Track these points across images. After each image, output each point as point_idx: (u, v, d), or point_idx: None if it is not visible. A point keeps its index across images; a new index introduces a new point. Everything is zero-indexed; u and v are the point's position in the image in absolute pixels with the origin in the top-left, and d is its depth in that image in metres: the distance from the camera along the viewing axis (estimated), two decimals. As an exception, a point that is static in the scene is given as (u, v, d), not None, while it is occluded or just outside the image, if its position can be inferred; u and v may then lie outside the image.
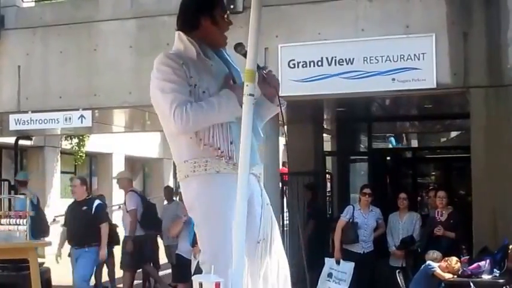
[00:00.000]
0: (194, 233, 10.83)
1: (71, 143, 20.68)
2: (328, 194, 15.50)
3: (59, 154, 20.93)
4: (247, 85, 3.75)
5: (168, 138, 4.08)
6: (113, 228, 13.82)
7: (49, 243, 8.86)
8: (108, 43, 11.68)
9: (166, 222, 13.63)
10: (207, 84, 3.98)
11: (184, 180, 3.98)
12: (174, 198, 14.90)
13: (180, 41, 4.09)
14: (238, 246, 3.51)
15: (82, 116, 11.67)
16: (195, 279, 3.44)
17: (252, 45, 3.85)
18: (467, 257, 9.59)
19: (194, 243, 10.85)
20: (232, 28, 10.65)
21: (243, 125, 3.63)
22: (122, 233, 13.63)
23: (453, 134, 17.66)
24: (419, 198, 15.64)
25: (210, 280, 3.31)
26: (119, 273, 13.45)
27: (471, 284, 8.93)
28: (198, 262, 8.09)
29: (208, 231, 3.92)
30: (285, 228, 13.42)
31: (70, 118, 11.75)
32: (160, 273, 14.62)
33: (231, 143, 3.90)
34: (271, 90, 4.02)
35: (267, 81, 4.02)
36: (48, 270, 10.78)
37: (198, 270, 7.21)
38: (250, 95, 3.71)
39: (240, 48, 4.13)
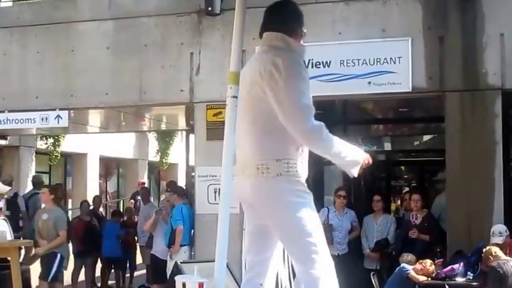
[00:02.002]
0: (171, 233, 10.89)
1: (46, 143, 20.55)
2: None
3: (34, 154, 20.77)
4: (230, 87, 3.80)
5: (261, 132, 4.17)
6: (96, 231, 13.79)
7: (30, 243, 8.61)
8: (85, 44, 11.62)
9: (141, 223, 13.63)
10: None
11: (274, 178, 4.11)
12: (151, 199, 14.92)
13: (295, 44, 4.38)
14: (222, 240, 3.54)
15: (59, 116, 11.61)
16: (178, 279, 3.48)
17: (235, 49, 3.90)
18: (442, 259, 9.68)
19: (171, 243, 10.85)
20: (209, 29, 10.76)
21: (226, 126, 3.68)
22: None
23: (428, 137, 17.76)
24: (398, 201, 15.72)
25: (193, 280, 3.35)
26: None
27: (446, 286, 9.01)
28: (175, 262, 8.11)
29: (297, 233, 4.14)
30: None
31: (47, 118, 11.69)
32: (136, 273, 14.62)
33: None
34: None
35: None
36: (27, 270, 10.66)
37: (176, 270, 7.24)
38: (234, 97, 3.75)
39: None
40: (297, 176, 4.18)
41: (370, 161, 4.29)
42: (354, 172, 4.27)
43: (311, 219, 4.16)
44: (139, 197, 17.34)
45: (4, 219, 8.07)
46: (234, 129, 3.75)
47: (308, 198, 4.22)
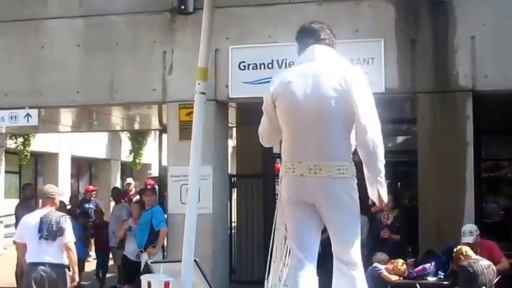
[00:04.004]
0: (149, 234, 10.79)
1: (16, 142, 20.32)
2: (276, 197, 15.49)
3: (4, 153, 20.55)
4: (198, 83, 3.78)
5: (340, 137, 4.60)
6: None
7: None
8: (55, 41, 11.48)
9: (112, 224, 13.53)
10: None
11: (350, 178, 4.61)
12: (122, 200, 14.80)
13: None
14: (189, 240, 3.53)
15: (28, 114, 11.46)
16: (144, 278, 3.44)
17: (204, 45, 3.88)
18: (413, 259, 9.72)
19: (148, 244, 10.76)
20: (182, 28, 10.67)
21: (194, 123, 3.67)
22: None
23: (401, 138, 17.84)
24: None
25: (158, 279, 3.32)
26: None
27: (417, 285, 9.04)
28: (146, 262, 8.04)
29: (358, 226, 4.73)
30: (233, 231, 13.43)
31: (16, 116, 11.53)
32: (108, 274, 14.52)
33: None
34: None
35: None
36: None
37: (146, 270, 7.18)
38: (202, 93, 3.74)
39: None
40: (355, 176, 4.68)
41: (383, 205, 4.63)
42: (380, 197, 4.56)
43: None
44: (89, 205, 15.87)
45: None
46: (202, 127, 3.74)
47: None
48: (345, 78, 4.58)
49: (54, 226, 8.32)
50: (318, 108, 4.58)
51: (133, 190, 17.47)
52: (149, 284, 3.33)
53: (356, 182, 4.61)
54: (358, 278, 4.72)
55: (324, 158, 4.58)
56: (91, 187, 18.32)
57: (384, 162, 4.51)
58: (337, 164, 4.55)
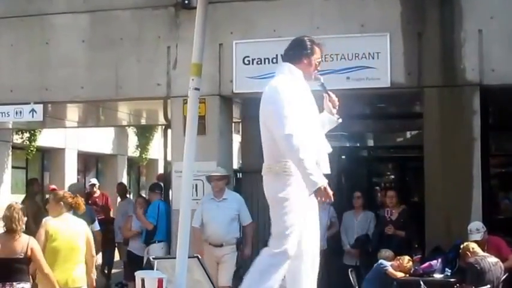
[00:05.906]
0: (147, 230, 10.79)
1: (22, 138, 20.28)
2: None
3: (10, 149, 20.52)
4: (192, 79, 3.73)
5: (270, 141, 5.23)
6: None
7: None
8: (60, 37, 11.45)
9: (118, 220, 13.50)
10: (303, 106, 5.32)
11: (273, 175, 5.26)
12: (128, 195, 14.76)
13: (295, 70, 5.46)
14: (184, 235, 3.47)
15: (33, 110, 11.44)
16: (138, 275, 3.39)
17: (198, 40, 3.83)
18: (420, 256, 9.64)
19: (147, 240, 10.74)
20: (186, 23, 10.60)
21: (188, 119, 3.62)
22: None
23: (409, 133, 17.77)
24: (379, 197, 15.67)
25: (152, 276, 3.25)
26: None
27: (421, 282, 8.96)
28: (148, 258, 8.03)
29: (294, 215, 5.20)
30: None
31: (21, 112, 11.51)
32: (114, 270, 14.51)
33: None
34: (332, 110, 5.54)
35: (330, 101, 5.60)
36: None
37: (148, 267, 7.15)
38: (196, 89, 3.68)
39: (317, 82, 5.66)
40: (290, 174, 5.17)
41: (324, 197, 5.03)
42: (308, 191, 5.06)
43: (291, 213, 5.18)
44: None
45: None
46: (196, 123, 3.70)
47: (293, 194, 5.19)
48: (264, 95, 5.27)
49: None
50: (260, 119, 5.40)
51: (98, 192, 15.15)
52: (143, 280, 3.27)
53: (283, 178, 5.16)
54: (262, 254, 5.24)
55: (264, 159, 5.37)
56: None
57: (304, 159, 4.96)
58: (266, 164, 5.30)
